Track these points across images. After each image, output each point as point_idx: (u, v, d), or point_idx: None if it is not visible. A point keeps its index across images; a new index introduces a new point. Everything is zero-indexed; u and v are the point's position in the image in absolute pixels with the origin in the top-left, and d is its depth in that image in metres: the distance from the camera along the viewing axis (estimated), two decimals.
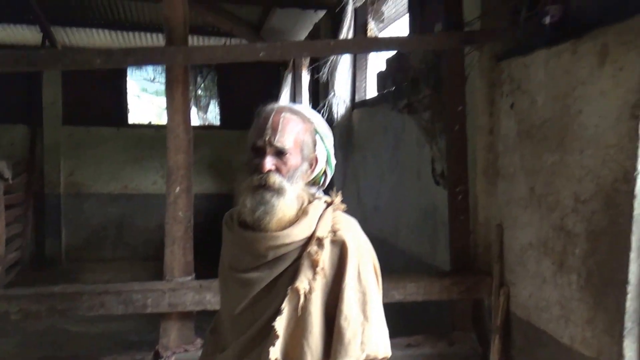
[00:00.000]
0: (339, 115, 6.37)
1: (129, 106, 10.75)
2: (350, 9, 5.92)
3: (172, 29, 3.28)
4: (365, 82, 6.27)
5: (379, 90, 5.44)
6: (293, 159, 1.74)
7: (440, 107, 3.81)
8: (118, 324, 6.15)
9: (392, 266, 5.01)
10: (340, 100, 6.29)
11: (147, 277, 3.34)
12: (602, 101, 2.42)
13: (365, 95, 6.26)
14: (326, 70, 6.47)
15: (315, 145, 1.83)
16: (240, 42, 9.37)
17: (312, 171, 1.84)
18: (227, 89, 10.83)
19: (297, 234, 1.74)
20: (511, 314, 3.30)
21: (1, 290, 3.73)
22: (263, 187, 1.71)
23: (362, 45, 3.29)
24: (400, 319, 4.84)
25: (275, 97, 9.77)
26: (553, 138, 2.81)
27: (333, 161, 1.94)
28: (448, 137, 3.49)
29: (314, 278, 1.70)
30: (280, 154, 1.72)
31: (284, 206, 1.72)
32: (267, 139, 1.71)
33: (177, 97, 3.27)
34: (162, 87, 11.38)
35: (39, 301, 3.12)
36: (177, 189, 3.27)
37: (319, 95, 7.44)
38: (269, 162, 1.71)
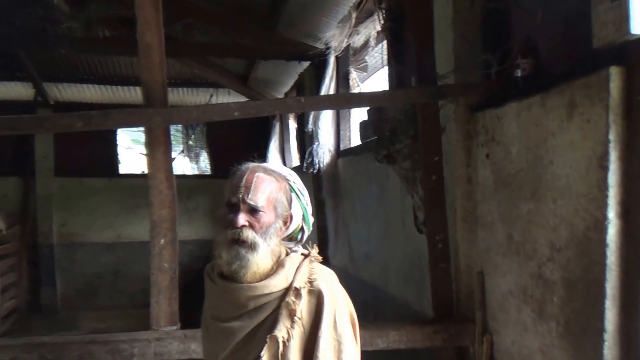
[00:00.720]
0: (324, 163, 6.39)
1: (120, 157, 10.81)
2: (331, 60, 5.99)
3: (150, 91, 3.30)
4: (349, 130, 6.33)
5: (361, 139, 5.47)
6: (266, 216, 1.80)
7: (419, 157, 3.82)
8: None
9: (382, 312, 4.98)
10: (325, 149, 6.33)
11: (142, 325, 3.36)
12: (571, 152, 2.44)
13: (349, 143, 6.30)
14: (310, 119, 6.53)
15: (290, 202, 1.89)
16: (229, 92, 9.49)
17: (287, 228, 1.90)
18: (216, 139, 10.94)
19: (275, 284, 1.80)
20: None
21: None
22: (237, 242, 1.77)
23: (333, 102, 3.36)
24: None
25: (264, 146, 9.86)
26: (528, 187, 2.82)
27: (310, 218, 2.01)
28: (425, 187, 3.50)
29: (292, 327, 1.76)
30: (253, 211, 1.78)
31: (258, 260, 1.79)
32: (240, 196, 1.77)
33: (159, 156, 3.30)
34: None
35: (29, 351, 3.12)
36: (162, 241, 3.28)
37: (306, 144, 7.49)
38: (242, 219, 1.77)
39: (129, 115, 3.22)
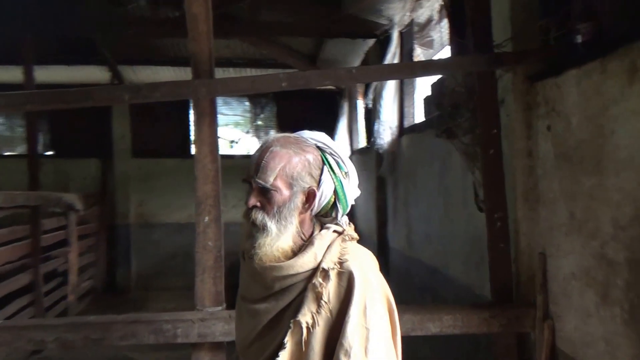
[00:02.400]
0: (385, 141, 6.22)
1: (192, 137, 10.96)
2: (395, 36, 5.80)
3: (197, 63, 3.27)
4: (414, 107, 6.12)
5: (425, 115, 5.30)
6: (278, 195, 1.65)
7: (480, 131, 3.64)
8: (180, 353, 6.16)
9: (441, 295, 4.81)
10: (386, 126, 6.14)
11: None
12: (634, 121, 2.22)
13: (413, 120, 6.10)
14: (370, 96, 6.36)
15: (317, 176, 1.70)
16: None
17: (310, 205, 1.71)
18: (285, 119, 10.92)
19: (302, 264, 1.65)
20: (557, 349, 3.04)
21: (38, 319, 3.79)
22: (252, 223, 1.67)
23: (384, 72, 3.18)
24: (445, 352, 4.63)
25: (333, 125, 9.76)
26: (589, 160, 2.60)
27: (348, 193, 1.77)
28: (483, 162, 3.31)
29: (317, 311, 1.60)
30: (264, 190, 1.66)
31: (268, 242, 1.65)
32: (251, 175, 1.67)
33: (205, 129, 3.25)
34: (225, 118, 11.63)
35: (73, 330, 3.15)
36: (206, 218, 3.24)
37: (371, 122, 7.33)
38: (252, 199, 1.67)
39: (175, 87, 3.19)
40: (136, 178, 10.91)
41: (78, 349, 3.30)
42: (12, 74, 9.47)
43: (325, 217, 1.79)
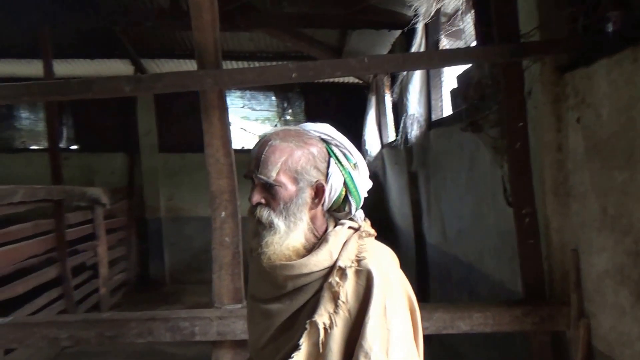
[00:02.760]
0: (413, 135, 6.13)
1: None
2: (420, 27, 5.70)
3: (202, 53, 3.21)
4: (441, 100, 6.01)
5: (452, 108, 5.20)
6: (282, 191, 1.60)
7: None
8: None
9: (477, 291, 4.73)
10: (414, 120, 6.05)
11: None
12: None
13: (442, 113, 6.00)
14: (397, 90, 6.27)
15: (323, 169, 1.65)
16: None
17: (320, 199, 1.65)
18: (314, 113, 10.86)
19: (316, 263, 1.59)
20: (593, 348, 2.95)
21: (52, 316, 3.78)
22: (258, 222, 1.62)
23: (399, 62, 3.06)
24: (483, 351, 4.56)
25: (362, 119, 9.68)
26: (621, 154, 2.51)
27: (359, 185, 1.71)
28: (510, 156, 3.23)
29: (335, 312, 1.54)
30: (268, 186, 1.60)
31: (276, 241, 1.60)
32: (252, 171, 1.61)
33: (214, 122, 3.20)
34: (254, 113, 11.63)
35: (87, 328, 3.13)
36: (222, 213, 3.20)
37: (399, 116, 7.24)
38: (256, 195, 1.62)
39: (179, 78, 3.10)
40: (164, 172, 10.95)
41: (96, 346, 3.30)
42: (35, 67, 9.61)
43: (338, 212, 1.74)
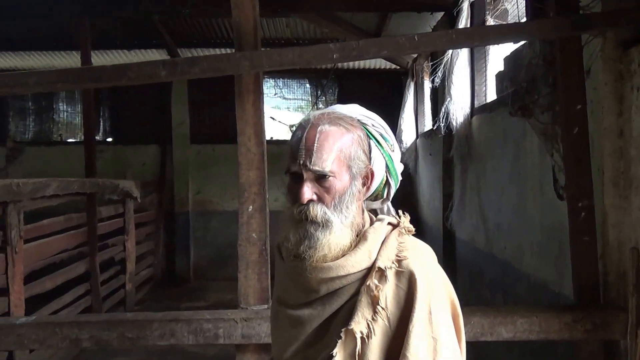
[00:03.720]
0: (457, 122, 5.82)
1: None
2: (465, 7, 5.40)
3: (241, 34, 3.04)
4: (485, 85, 5.70)
5: (498, 93, 4.91)
6: (338, 182, 1.44)
7: (559, 108, 3.26)
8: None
9: (513, 293, 4.44)
10: (457, 107, 5.75)
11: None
12: None
13: (485, 99, 5.68)
14: (441, 74, 5.97)
15: (370, 153, 1.52)
16: None
17: (368, 187, 1.53)
18: (348, 100, 10.56)
19: (354, 264, 1.44)
20: None
21: (74, 316, 3.68)
22: (305, 220, 1.43)
23: (452, 39, 2.80)
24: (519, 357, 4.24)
25: (398, 107, 9.42)
26: None
27: (398, 168, 1.64)
28: (566, 143, 2.93)
29: (373, 318, 1.39)
30: (320, 178, 1.42)
31: (332, 240, 1.44)
32: (301, 162, 1.42)
33: (248, 108, 3.02)
34: (286, 102, 11.45)
35: (109, 328, 3.00)
36: (250, 207, 3.02)
37: (438, 102, 6.95)
38: (308, 191, 1.43)
39: (215, 61, 2.92)
40: (195, 164, 10.89)
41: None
42: (73, 59, 9.71)
43: (374, 200, 1.63)
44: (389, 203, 1.67)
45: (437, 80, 6.28)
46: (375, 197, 1.63)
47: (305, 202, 1.43)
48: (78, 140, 11.30)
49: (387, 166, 1.60)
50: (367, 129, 1.55)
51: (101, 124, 11.41)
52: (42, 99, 11.50)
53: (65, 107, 11.72)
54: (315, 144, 1.42)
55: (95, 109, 9.44)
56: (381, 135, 1.58)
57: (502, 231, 4.82)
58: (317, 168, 1.41)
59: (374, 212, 1.65)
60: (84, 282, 7.27)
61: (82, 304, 7.11)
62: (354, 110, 1.58)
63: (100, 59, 9.66)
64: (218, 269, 10.57)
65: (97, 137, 10.84)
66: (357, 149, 1.47)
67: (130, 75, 2.92)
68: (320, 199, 1.44)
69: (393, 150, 1.62)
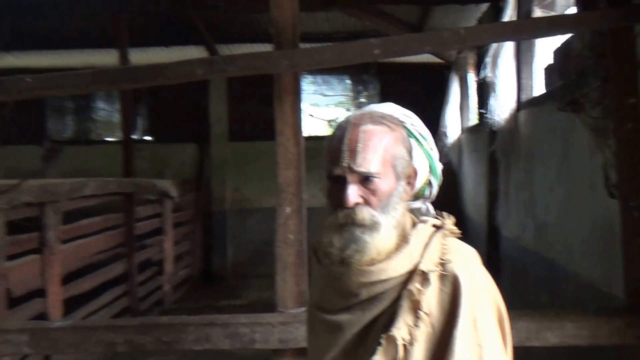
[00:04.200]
0: (502, 117, 5.73)
1: None
2: None
3: (280, 32, 3.03)
4: (532, 78, 5.59)
5: (546, 86, 4.82)
6: (384, 183, 1.42)
7: (611, 102, 3.19)
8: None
9: (560, 294, 4.35)
10: (503, 101, 5.65)
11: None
12: None
13: (532, 93, 5.58)
14: (487, 68, 5.88)
15: (411, 152, 1.50)
16: None
17: (412, 187, 1.53)
18: (390, 96, 10.51)
19: (396, 267, 1.42)
20: None
21: (109, 319, 3.74)
22: (352, 224, 1.41)
23: (499, 32, 2.76)
24: None
25: (441, 102, 9.31)
26: None
27: (438, 166, 1.66)
28: (618, 139, 2.87)
29: (415, 324, 1.38)
30: (366, 180, 1.40)
31: (380, 243, 1.42)
32: (345, 164, 1.40)
33: (287, 109, 3.02)
34: (323, 99, 11.46)
35: (144, 332, 3.03)
36: (287, 208, 3.04)
37: (484, 97, 6.85)
38: (354, 194, 1.41)
39: (253, 60, 2.96)
40: (232, 162, 10.94)
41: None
42: (111, 57, 9.83)
43: (414, 200, 1.61)
44: (429, 203, 1.65)
45: (483, 73, 6.19)
46: (415, 197, 1.62)
47: (351, 205, 1.41)
48: (116, 139, 11.48)
49: (429, 165, 1.61)
50: (406, 128, 1.55)
51: (140, 122, 11.56)
52: (81, 98, 11.68)
53: (103, 105, 11.92)
54: (359, 144, 1.40)
55: (134, 108, 9.58)
56: (420, 133, 1.59)
57: (550, 229, 4.73)
58: (362, 169, 1.40)
59: (414, 212, 1.63)
60: (122, 283, 7.34)
61: (120, 305, 7.18)
62: (392, 108, 1.59)
63: (138, 56, 9.76)
64: (255, 266, 10.59)
65: (136, 136, 10.99)
66: (401, 148, 1.46)
67: (167, 75, 2.95)
68: (367, 202, 1.42)
69: (432, 149, 1.62)
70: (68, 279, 5.82)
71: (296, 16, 3.08)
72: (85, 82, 3.07)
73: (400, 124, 1.52)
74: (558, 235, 4.49)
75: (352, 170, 1.40)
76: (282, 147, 3.06)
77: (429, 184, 1.64)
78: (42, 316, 5.07)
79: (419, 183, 1.58)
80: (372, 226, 1.41)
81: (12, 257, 4.69)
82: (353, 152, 1.40)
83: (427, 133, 1.62)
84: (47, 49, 9.90)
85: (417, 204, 1.63)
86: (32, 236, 5.13)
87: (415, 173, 1.52)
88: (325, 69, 10.84)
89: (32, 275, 5.04)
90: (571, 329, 2.75)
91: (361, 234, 1.40)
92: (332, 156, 1.43)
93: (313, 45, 8.69)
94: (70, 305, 5.77)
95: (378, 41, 2.80)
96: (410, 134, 1.55)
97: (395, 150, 1.44)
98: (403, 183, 1.47)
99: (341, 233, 1.42)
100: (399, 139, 1.47)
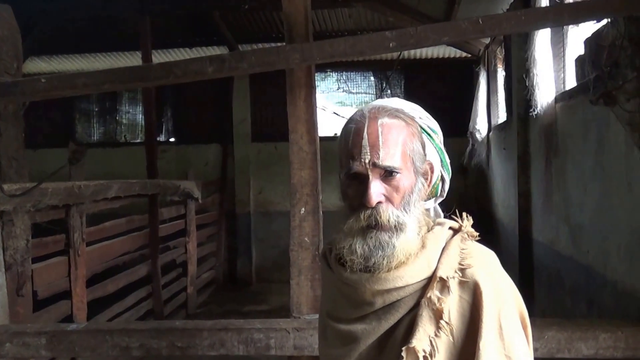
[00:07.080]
0: (537, 112, 5.50)
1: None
2: None
3: (291, 25, 2.98)
4: (564, 71, 5.36)
5: (577, 79, 4.60)
6: (406, 179, 1.36)
7: None
8: None
9: (597, 302, 4.14)
10: (538, 95, 5.42)
11: None
12: None
13: (563, 87, 5.35)
14: (527, 58, 5.65)
15: (424, 147, 1.43)
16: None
17: (430, 183, 1.45)
18: (415, 92, 10.41)
19: (413, 274, 1.34)
20: None
21: (124, 323, 3.71)
22: (375, 227, 1.33)
23: (520, 20, 2.59)
24: None
25: (469, 98, 9.12)
26: None
27: (447, 160, 1.59)
28: None
29: (436, 334, 1.29)
30: (387, 176, 1.32)
31: (406, 245, 1.34)
32: (366, 160, 1.32)
33: (300, 104, 2.93)
34: (348, 97, 11.32)
35: (158, 337, 3.01)
36: (302, 210, 2.95)
37: (513, 91, 6.64)
38: (376, 193, 1.33)
39: (264, 55, 2.88)
40: (256, 163, 10.93)
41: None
42: (136, 59, 9.96)
43: (428, 198, 1.54)
44: (437, 205, 1.58)
45: (518, 66, 6.00)
46: (428, 195, 1.53)
47: (374, 204, 1.32)
48: (141, 141, 11.53)
49: (440, 160, 1.54)
50: (418, 122, 1.48)
51: (164, 124, 11.62)
52: (107, 101, 11.88)
53: (128, 108, 12.01)
54: (380, 138, 1.33)
55: (158, 109, 9.63)
56: (430, 127, 1.52)
57: (585, 233, 4.51)
58: (387, 164, 1.32)
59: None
60: (146, 285, 7.37)
61: (144, 307, 7.23)
62: (405, 103, 1.50)
63: (161, 57, 9.81)
64: (280, 271, 10.49)
65: (160, 138, 11.07)
66: (417, 143, 1.40)
67: (177, 73, 2.90)
68: (389, 200, 1.34)
69: (441, 143, 1.57)
70: (93, 280, 5.86)
71: (308, 9, 3.02)
72: (97, 82, 3.07)
73: (412, 117, 1.45)
74: (594, 240, 4.27)
75: (375, 166, 1.32)
76: (296, 145, 3.00)
77: (442, 180, 1.57)
78: (67, 318, 5.11)
79: (435, 179, 1.50)
80: (398, 227, 1.33)
81: (37, 260, 4.72)
82: (375, 147, 1.33)
83: (436, 127, 1.55)
84: (75, 52, 10.11)
85: (430, 203, 1.56)
86: (57, 238, 5.19)
87: (432, 168, 1.46)
88: (348, 67, 10.73)
89: (58, 277, 5.08)
90: (606, 340, 2.61)
91: (389, 238, 1.33)
92: (347, 153, 1.36)
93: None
94: (95, 307, 5.80)
95: (393, 33, 2.71)
96: (422, 128, 1.47)
97: (413, 145, 1.39)
98: (422, 180, 1.41)
99: (365, 238, 1.34)
100: (415, 134, 1.41)
